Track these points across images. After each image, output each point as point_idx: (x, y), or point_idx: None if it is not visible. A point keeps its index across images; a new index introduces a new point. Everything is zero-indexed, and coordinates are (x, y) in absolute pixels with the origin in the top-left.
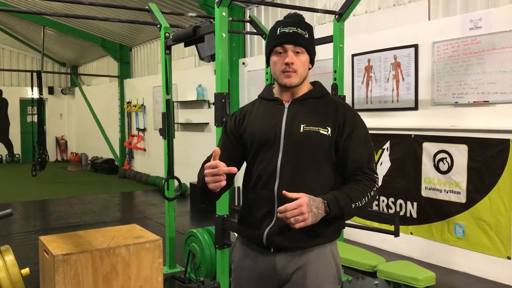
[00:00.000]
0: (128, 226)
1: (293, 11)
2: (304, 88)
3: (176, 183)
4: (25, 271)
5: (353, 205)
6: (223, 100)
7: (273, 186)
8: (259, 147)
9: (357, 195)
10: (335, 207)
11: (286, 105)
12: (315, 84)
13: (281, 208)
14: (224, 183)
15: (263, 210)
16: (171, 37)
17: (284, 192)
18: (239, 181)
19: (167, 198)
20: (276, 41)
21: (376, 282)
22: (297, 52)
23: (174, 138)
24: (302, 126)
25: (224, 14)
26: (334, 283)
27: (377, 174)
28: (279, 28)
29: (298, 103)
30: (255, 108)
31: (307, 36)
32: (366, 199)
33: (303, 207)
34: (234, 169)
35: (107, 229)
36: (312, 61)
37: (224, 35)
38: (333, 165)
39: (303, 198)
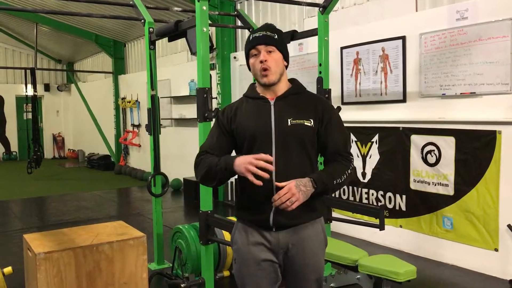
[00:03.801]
0: (114, 223)
1: (281, 5)
2: (284, 86)
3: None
4: (8, 270)
5: (335, 181)
6: (205, 95)
7: (271, 174)
8: (252, 141)
9: (337, 173)
10: (320, 182)
11: (272, 102)
12: (293, 82)
13: (275, 196)
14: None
15: (263, 197)
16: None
17: (276, 183)
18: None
19: (154, 194)
20: (249, 44)
21: (358, 276)
22: (269, 51)
23: (160, 134)
24: (289, 120)
25: (204, 8)
26: (323, 249)
27: (352, 156)
28: (251, 35)
29: (281, 100)
30: (243, 106)
31: (276, 37)
32: (345, 176)
33: (293, 189)
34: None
35: (92, 226)
36: (286, 59)
37: (205, 29)
38: (316, 150)
39: (290, 182)
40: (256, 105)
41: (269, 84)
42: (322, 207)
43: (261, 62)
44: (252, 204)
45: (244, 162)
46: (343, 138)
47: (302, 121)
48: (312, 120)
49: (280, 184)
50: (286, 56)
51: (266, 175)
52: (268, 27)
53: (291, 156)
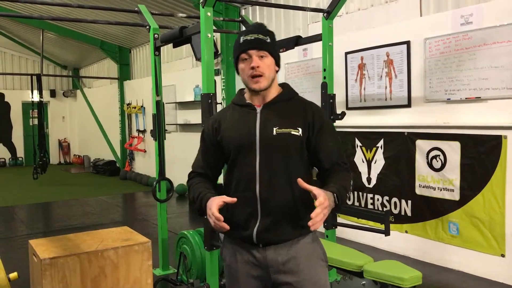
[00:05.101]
0: (118, 228)
1: (286, 10)
2: (274, 91)
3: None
4: (13, 275)
5: (347, 194)
6: (210, 100)
7: (254, 188)
8: (236, 153)
9: (346, 184)
10: (340, 199)
11: (258, 110)
12: (284, 87)
13: (314, 218)
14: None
15: (247, 211)
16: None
17: (299, 180)
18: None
19: (159, 200)
20: (240, 48)
21: (364, 282)
22: (262, 56)
23: (165, 139)
24: (274, 129)
25: (209, 14)
26: (323, 266)
27: (348, 164)
28: (242, 37)
29: (269, 107)
30: (229, 115)
31: (268, 40)
32: (350, 187)
33: (326, 210)
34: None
35: (97, 231)
36: (277, 64)
37: (209, 35)
38: (305, 162)
39: (323, 197)
40: (242, 113)
41: (259, 90)
42: None
43: (253, 68)
44: (236, 219)
45: (208, 209)
46: (337, 147)
47: (289, 130)
48: (300, 129)
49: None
50: (277, 61)
51: (224, 228)
52: (260, 29)
53: (277, 167)
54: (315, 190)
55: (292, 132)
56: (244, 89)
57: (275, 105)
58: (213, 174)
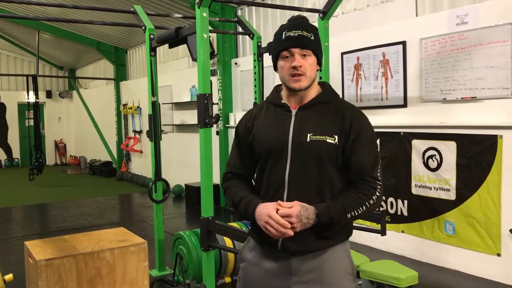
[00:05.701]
0: (115, 229)
1: (282, 11)
2: (313, 92)
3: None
4: (9, 277)
5: (348, 215)
6: (206, 101)
7: (282, 195)
8: (267, 156)
9: (353, 204)
10: (326, 217)
11: (293, 112)
12: (324, 87)
13: (269, 221)
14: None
15: None
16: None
17: (279, 202)
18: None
19: (155, 200)
20: (282, 45)
21: (360, 282)
22: (304, 55)
23: (161, 140)
24: (309, 135)
25: (205, 14)
26: (348, 279)
27: (379, 181)
28: (284, 32)
29: (305, 109)
30: (263, 114)
31: (312, 38)
32: (364, 208)
33: (292, 218)
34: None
35: (93, 232)
36: (319, 62)
37: (205, 35)
38: (340, 172)
39: (295, 207)
40: (275, 114)
41: (299, 90)
42: (341, 234)
43: (294, 67)
44: None
45: (264, 215)
46: (370, 158)
47: (324, 137)
48: (336, 136)
49: (283, 204)
50: (320, 60)
51: (288, 234)
52: (304, 24)
53: (308, 176)
54: (292, 204)
55: (328, 140)
56: (280, 85)
57: (312, 108)
58: (249, 174)
